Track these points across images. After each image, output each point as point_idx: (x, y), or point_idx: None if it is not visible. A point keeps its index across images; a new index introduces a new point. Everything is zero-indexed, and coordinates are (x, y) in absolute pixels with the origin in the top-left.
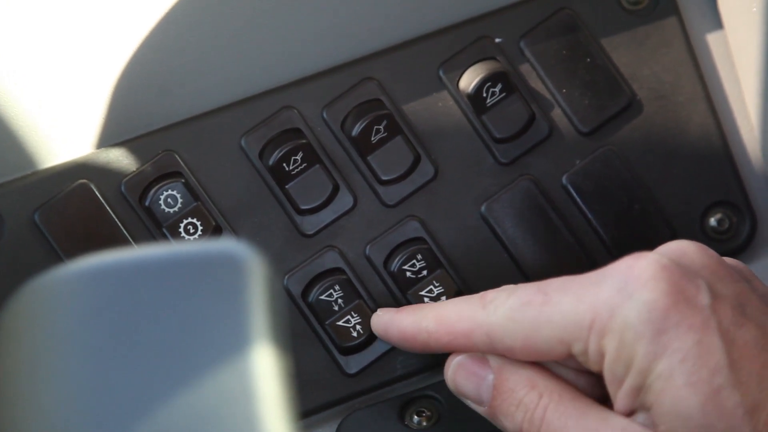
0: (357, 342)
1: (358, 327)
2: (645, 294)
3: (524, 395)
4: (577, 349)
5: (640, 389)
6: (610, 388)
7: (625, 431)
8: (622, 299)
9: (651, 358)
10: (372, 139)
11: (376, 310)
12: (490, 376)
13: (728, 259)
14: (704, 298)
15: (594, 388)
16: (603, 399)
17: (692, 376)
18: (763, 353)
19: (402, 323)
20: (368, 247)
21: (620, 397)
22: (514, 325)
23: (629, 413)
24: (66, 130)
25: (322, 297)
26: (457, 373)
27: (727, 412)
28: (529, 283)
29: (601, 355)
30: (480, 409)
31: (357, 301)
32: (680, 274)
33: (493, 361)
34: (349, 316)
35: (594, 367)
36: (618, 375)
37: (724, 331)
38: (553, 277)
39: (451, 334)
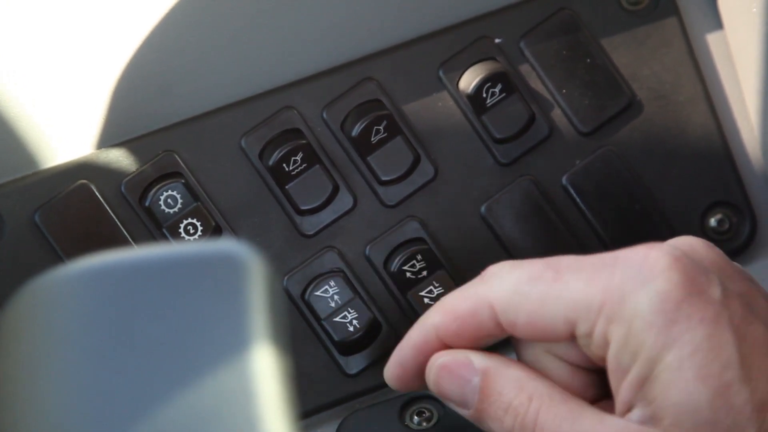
0: (354, 337)
1: (354, 322)
2: (659, 284)
3: (513, 398)
4: (582, 330)
5: (645, 380)
6: (612, 377)
7: (624, 431)
8: (634, 286)
9: (660, 349)
10: (372, 139)
11: (371, 306)
12: (476, 379)
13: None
14: (716, 292)
15: (587, 388)
16: (595, 400)
17: (702, 369)
18: None
19: (409, 337)
20: (368, 247)
21: (624, 388)
22: (520, 299)
23: (628, 407)
24: (66, 131)
25: (318, 293)
26: (440, 376)
27: (736, 408)
28: (535, 259)
29: (606, 341)
30: (465, 413)
31: (353, 297)
32: (693, 267)
33: (478, 362)
34: (345, 312)
35: (596, 352)
36: (623, 364)
37: (735, 327)
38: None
39: (457, 318)
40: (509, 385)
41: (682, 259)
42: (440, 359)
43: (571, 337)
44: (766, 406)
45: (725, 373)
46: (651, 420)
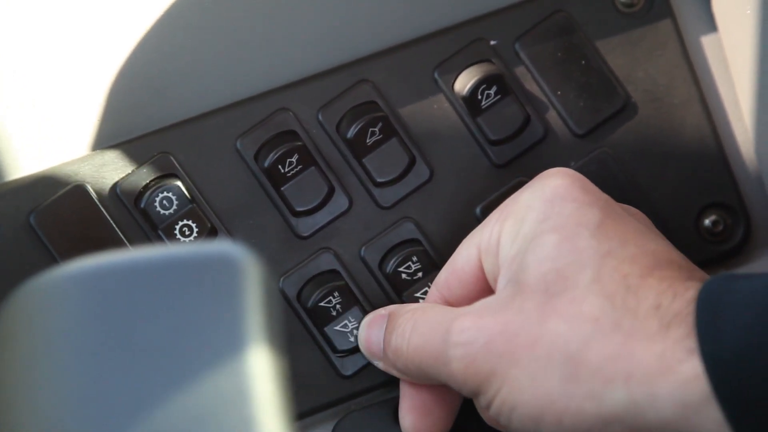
0: (354, 345)
1: (355, 332)
2: (545, 180)
3: (401, 319)
4: (483, 245)
5: (517, 253)
6: (501, 271)
7: (484, 303)
8: (525, 189)
9: (534, 223)
10: (367, 141)
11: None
12: (384, 322)
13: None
14: (600, 193)
15: None
16: None
17: (558, 225)
18: (638, 234)
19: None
20: (363, 248)
21: (501, 273)
22: (447, 263)
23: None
24: (61, 132)
25: (321, 304)
26: (362, 332)
27: (579, 248)
28: None
29: (499, 240)
30: (381, 365)
31: (355, 307)
32: (584, 177)
33: (389, 308)
34: (346, 321)
35: (492, 259)
36: (506, 251)
37: (606, 210)
38: None
39: (455, 271)
40: (405, 315)
41: (573, 171)
42: (365, 318)
43: (481, 268)
44: (609, 255)
45: (578, 228)
46: (510, 287)
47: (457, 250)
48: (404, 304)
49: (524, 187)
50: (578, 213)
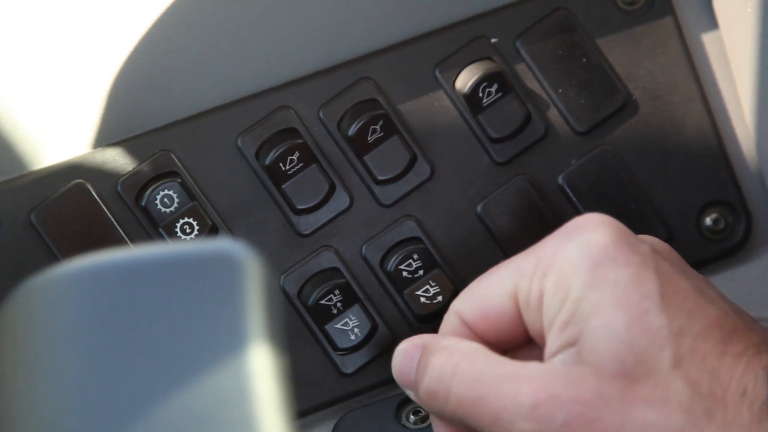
0: (354, 343)
1: (356, 330)
2: (587, 234)
3: (439, 361)
4: (522, 298)
5: (570, 320)
6: (546, 333)
7: (545, 370)
8: (565, 242)
9: (585, 289)
10: (368, 138)
11: (373, 312)
12: (418, 354)
13: None
14: (645, 247)
15: None
16: None
17: (622, 299)
18: (696, 299)
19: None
20: (364, 246)
21: (551, 337)
22: (472, 296)
23: (554, 354)
24: (62, 130)
25: (322, 302)
26: (396, 361)
27: (653, 330)
28: None
29: (541, 297)
30: (414, 396)
31: (356, 305)
32: (623, 226)
33: (422, 340)
34: (347, 319)
35: (534, 315)
36: (553, 312)
37: (661, 273)
38: None
39: (441, 329)
40: (440, 353)
41: (611, 219)
42: (399, 346)
43: (519, 315)
44: (683, 333)
45: (643, 301)
46: (573, 360)
47: (483, 287)
48: (439, 337)
49: (560, 235)
50: (636, 281)
